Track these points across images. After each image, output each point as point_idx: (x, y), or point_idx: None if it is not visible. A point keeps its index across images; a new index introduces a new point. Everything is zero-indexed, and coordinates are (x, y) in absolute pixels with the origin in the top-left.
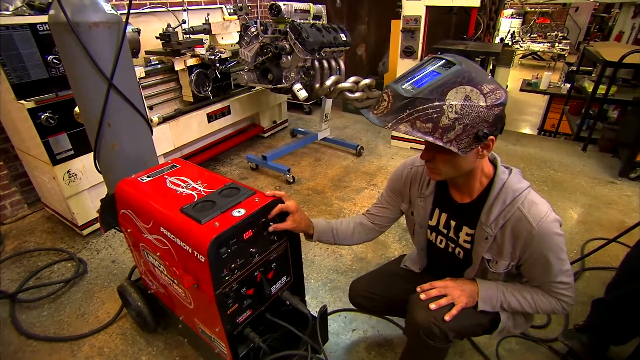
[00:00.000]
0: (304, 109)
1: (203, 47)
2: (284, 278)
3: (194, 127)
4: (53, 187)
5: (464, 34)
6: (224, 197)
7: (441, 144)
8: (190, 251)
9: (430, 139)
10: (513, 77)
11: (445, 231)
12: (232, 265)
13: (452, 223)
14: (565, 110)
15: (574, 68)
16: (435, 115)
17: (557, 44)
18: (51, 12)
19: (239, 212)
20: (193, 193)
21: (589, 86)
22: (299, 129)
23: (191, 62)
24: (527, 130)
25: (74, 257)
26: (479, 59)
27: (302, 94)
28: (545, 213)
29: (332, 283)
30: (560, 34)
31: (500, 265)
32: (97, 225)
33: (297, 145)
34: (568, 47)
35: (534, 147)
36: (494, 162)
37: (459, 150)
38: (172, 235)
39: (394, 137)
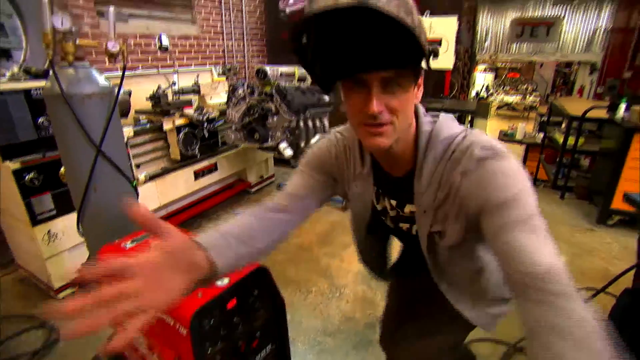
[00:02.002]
0: (290, 164)
1: (192, 107)
2: (269, 346)
3: (180, 185)
4: (31, 248)
5: (441, 93)
6: None
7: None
8: (171, 324)
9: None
10: (491, 128)
11: (394, 213)
12: (215, 338)
13: (394, 203)
14: (541, 159)
15: (545, 119)
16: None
17: (528, 96)
18: (47, 84)
19: (222, 281)
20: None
21: (559, 137)
22: (285, 183)
23: (180, 122)
24: None
25: (45, 325)
26: (457, 115)
27: (288, 152)
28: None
29: (320, 346)
30: (530, 87)
31: (449, 236)
32: (74, 289)
33: None
34: (538, 99)
35: None
36: (415, 113)
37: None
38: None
39: None
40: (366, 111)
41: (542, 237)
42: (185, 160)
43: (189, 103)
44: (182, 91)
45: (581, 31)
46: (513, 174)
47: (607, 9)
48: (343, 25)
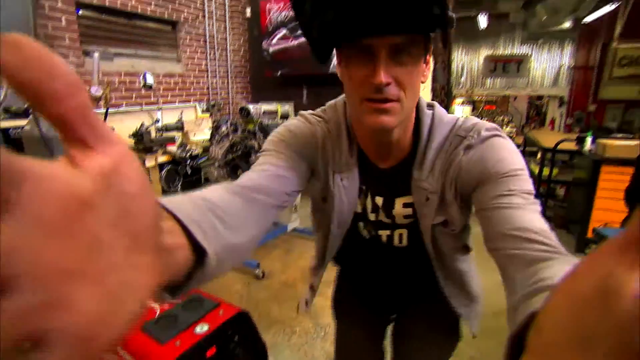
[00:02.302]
0: None
1: (175, 144)
2: None
3: None
4: None
5: None
6: (187, 311)
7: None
8: None
9: None
10: None
11: (374, 216)
12: None
13: (379, 201)
14: None
15: (521, 149)
16: None
17: (504, 127)
18: (26, 125)
19: (202, 328)
20: (155, 306)
21: (535, 168)
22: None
23: (162, 159)
24: None
25: None
26: None
27: None
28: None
29: None
30: (505, 119)
31: (455, 219)
32: None
33: (268, 237)
34: (514, 130)
35: None
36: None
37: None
38: (130, 358)
39: None
40: (372, 82)
41: (539, 214)
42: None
43: (172, 140)
44: (166, 128)
45: (547, 67)
46: (516, 153)
47: (568, 48)
48: None
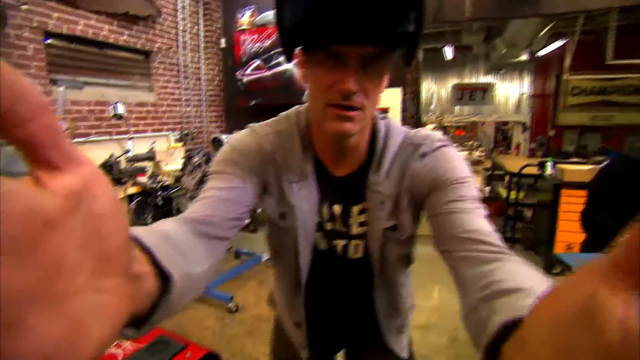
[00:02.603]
0: (249, 227)
1: (145, 175)
2: None
3: None
4: None
5: None
6: (152, 356)
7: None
8: None
9: None
10: None
11: (330, 225)
12: None
13: (337, 209)
14: (490, 212)
15: (490, 172)
16: None
17: (474, 152)
18: None
19: None
20: (118, 352)
21: (503, 192)
22: (243, 250)
23: (132, 190)
24: None
25: None
26: None
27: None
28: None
29: None
30: (475, 143)
31: (406, 226)
32: None
33: (241, 269)
34: (484, 154)
35: None
36: None
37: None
38: None
39: None
40: (340, 89)
41: (485, 218)
42: None
43: (142, 171)
44: (137, 158)
45: (510, 96)
46: (464, 162)
47: (527, 78)
48: None
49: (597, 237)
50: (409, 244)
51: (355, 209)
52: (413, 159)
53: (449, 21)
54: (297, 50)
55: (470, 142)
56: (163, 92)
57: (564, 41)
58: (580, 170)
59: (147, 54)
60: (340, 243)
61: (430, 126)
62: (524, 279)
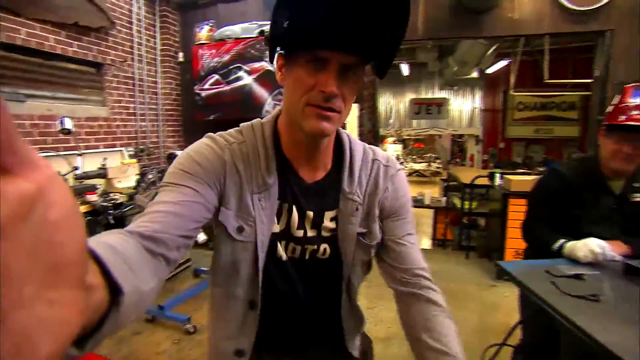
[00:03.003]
0: (208, 245)
1: (95, 193)
2: None
3: None
4: None
5: None
6: None
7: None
8: None
9: None
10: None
11: (301, 233)
12: None
13: (310, 215)
14: (446, 222)
15: (447, 184)
16: None
17: (432, 163)
18: None
19: None
20: None
21: (457, 202)
22: (202, 268)
23: (81, 209)
24: (425, 241)
25: None
26: None
27: (201, 237)
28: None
29: None
30: (433, 155)
31: (374, 234)
32: None
33: (200, 288)
34: (441, 165)
35: (429, 261)
36: None
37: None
38: None
39: None
40: (323, 91)
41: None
42: None
43: (92, 189)
44: (86, 175)
45: (463, 110)
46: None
47: (478, 93)
48: None
49: (535, 247)
50: (373, 251)
51: (329, 215)
52: (385, 178)
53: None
54: (279, 53)
55: (429, 155)
56: (117, 106)
57: (508, 61)
58: (525, 180)
59: (99, 66)
60: (310, 248)
61: (391, 139)
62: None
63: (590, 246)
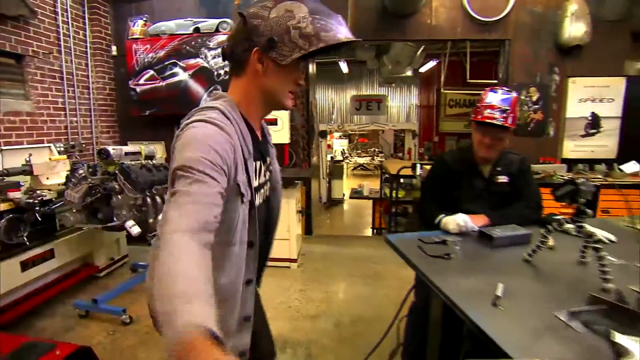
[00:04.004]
0: (147, 241)
1: (19, 190)
2: None
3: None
4: None
5: (282, 163)
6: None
7: None
8: None
9: None
10: (348, 186)
11: (263, 178)
12: None
13: (263, 165)
14: (381, 210)
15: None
16: None
17: (376, 157)
18: None
19: None
20: None
21: (387, 191)
22: (141, 263)
23: (3, 206)
24: (367, 229)
25: None
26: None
27: (135, 230)
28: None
29: None
30: (377, 149)
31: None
32: None
33: (136, 281)
34: (384, 159)
35: (362, 247)
36: None
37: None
38: None
39: None
40: (300, 84)
41: None
42: (10, 251)
43: (15, 186)
44: (8, 172)
45: (401, 106)
46: None
47: (414, 90)
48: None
49: (426, 224)
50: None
51: (268, 160)
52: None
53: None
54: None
55: (373, 149)
56: (43, 101)
57: (437, 61)
58: None
59: (19, 57)
60: (264, 190)
61: (337, 134)
62: None
63: (457, 220)
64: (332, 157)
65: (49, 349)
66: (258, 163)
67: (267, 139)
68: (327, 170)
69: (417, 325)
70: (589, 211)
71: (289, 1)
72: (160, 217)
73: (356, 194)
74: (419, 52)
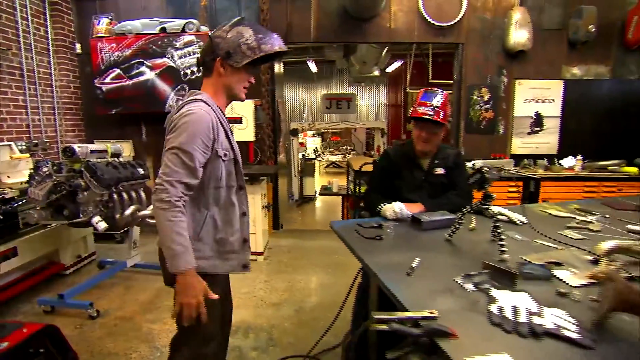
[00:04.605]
0: (115, 238)
1: None
2: None
3: None
4: None
5: (247, 160)
6: None
7: None
8: None
9: None
10: (320, 183)
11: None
12: None
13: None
14: (347, 206)
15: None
16: None
17: (347, 155)
18: None
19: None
20: None
21: (352, 187)
22: (108, 259)
23: None
24: None
25: None
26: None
27: (101, 225)
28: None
29: None
30: (348, 147)
31: None
32: None
33: (103, 277)
34: (357, 156)
35: (328, 240)
36: None
37: None
38: None
39: None
40: (250, 82)
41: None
42: None
43: None
44: None
45: (370, 105)
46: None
47: (382, 89)
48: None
49: (372, 212)
50: None
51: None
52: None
53: (297, 42)
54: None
55: (345, 147)
56: (2, 98)
57: (402, 62)
58: None
59: None
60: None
61: (310, 132)
62: None
63: (394, 207)
64: (303, 155)
65: (15, 328)
66: (231, 134)
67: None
68: (299, 168)
69: (361, 301)
70: (494, 195)
71: (240, 26)
72: (127, 211)
73: (326, 191)
74: (383, 53)
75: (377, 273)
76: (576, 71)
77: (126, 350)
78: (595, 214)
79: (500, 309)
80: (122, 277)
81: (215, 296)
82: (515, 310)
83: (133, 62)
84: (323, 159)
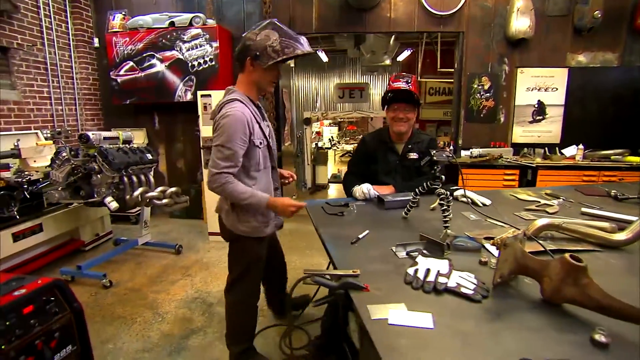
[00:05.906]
0: (130, 220)
1: (9, 170)
2: (69, 347)
3: None
4: None
5: None
6: (6, 285)
7: None
8: None
9: None
10: (333, 171)
11: (267, 131)
12: (10, 336)
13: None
14: None
15: None
16: None
17: None
18: None
19: (19, 292)
20: None
21: None
22: (122, 238)
23: None
24: None
25: None
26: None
27: (113, 205)
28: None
29: None
30: None
31: None
32: None
33: (117, 252)
34: None
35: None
36: None
37: None
38: None
39: (211, 233)
40: (279, 78)
41: None
42: (2, 223)
43: (5, 167)
44: None
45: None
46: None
47: None
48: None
49: (348, 194)
50: None
51: (266, 119)
52: None
53: (300, 33)
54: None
55: (361, 136)
56: (29, 90)
57: (411, 50)
58: None
59: (4, 50)
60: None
61: (327, 122)
62: None
63: (362, 189)
64: (316, 144)
65: (32, 280)
66: (264, 123)
67: (262, 109)
68: (312, 157)
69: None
70: (442, 177)
71: (267, 30)
72: (135, 192)
73: (335, 179)
74: (391, 42)
75: (326, 240)
76: (582, 58)
77: (133, 315)
78: (560, 198)
79: (416, 271)
80: (134, 253)
81: (303, 204)
82: (427, 272)
83: (145, 55)
84: (338, 148)
